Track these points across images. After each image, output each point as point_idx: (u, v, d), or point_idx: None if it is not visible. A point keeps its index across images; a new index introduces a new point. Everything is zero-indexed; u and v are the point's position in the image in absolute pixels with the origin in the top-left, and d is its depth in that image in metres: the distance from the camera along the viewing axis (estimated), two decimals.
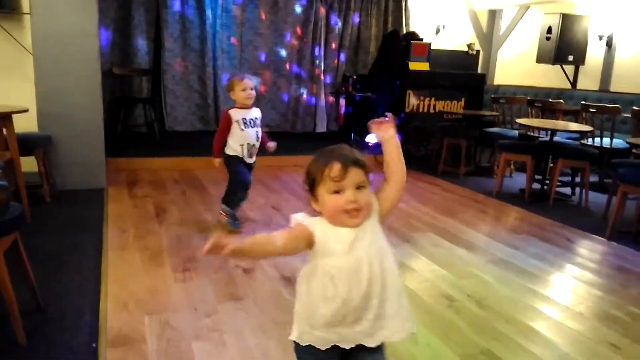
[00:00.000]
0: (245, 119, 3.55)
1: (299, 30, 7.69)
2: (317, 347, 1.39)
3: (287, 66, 7.71)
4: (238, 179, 3.63)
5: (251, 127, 3.58)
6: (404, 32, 7.99)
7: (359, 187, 1.31)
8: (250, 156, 3.65)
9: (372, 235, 1.36)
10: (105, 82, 4.15)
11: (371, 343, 1.39)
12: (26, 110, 3.86)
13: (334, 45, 7.95)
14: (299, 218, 1.38)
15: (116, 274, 2.87)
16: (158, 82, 7.06)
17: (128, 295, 2.62)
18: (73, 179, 4.48)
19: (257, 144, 3.66)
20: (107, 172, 4.75)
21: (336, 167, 1.30)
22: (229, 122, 3.54)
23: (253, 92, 3.56)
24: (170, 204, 4.26)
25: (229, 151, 3.60)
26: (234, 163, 3.61)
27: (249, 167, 3.70)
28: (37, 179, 4.14)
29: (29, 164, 4.03)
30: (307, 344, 1.40)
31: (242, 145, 3.58)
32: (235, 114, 3.54)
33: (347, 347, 1.39)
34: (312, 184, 1.35)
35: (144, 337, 2.24)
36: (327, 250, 1.34)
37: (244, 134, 3.56)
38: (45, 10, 4.23)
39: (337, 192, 1.31)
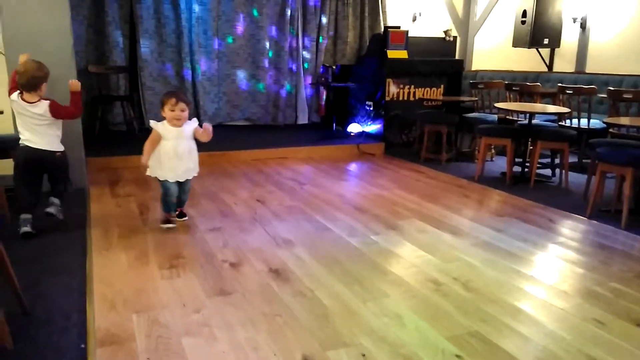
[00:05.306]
0: None
1: (276, 21, 7.64)
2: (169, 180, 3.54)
3: (266, 58, 7.66)
4: None
5: None
6: (381, 20, 8.00)
7: (182, 110, 3.47)
8: None
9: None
10: (81, 81, 4.05)
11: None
12: (1, 112, 3.79)
13: (312, 36, 7.92)
14: (152, 124, 3.52)
15: (102, 274, 2.84)
16: (135, 79, 6.97)
17: (115, 294, 2.60)
18: None
19: None
20: (87, 172, 4.69)
21: (174, 100, 3.46)
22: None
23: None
24: (153, 201, 4.22)
25: None
26: None
27: None
28: None
29: (6, 166, 3.95)
30: (164, 179, 3.54)
31: None
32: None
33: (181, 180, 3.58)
34: (162, 105, 3.50)
35: (133, 335, 2.23)
36: (165, 137, 3.49)
37: None
38: (16, 9, 4.14)
39: (172, 110, 3.45)
